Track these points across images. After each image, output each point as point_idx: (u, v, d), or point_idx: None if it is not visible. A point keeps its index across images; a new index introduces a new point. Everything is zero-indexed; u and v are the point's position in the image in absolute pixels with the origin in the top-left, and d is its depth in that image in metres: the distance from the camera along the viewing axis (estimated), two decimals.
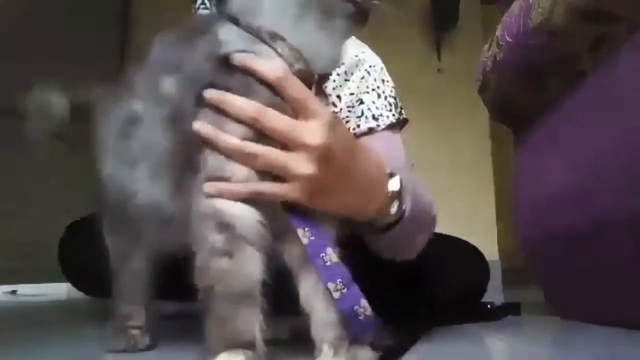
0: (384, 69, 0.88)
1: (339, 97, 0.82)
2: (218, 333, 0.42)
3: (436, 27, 2.69)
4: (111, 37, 2.40)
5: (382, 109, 0.82)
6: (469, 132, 2.66)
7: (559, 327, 0.86)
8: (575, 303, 0.89)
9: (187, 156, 0.47)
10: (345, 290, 0.44)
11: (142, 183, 0.52)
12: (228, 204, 0.44)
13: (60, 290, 1.97)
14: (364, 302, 0.45)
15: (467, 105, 2.50)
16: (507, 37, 0.89)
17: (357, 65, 0.84)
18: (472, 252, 0.96)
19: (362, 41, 0.91)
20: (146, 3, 2.65)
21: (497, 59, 0.94)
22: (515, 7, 0.88)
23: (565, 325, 0.86)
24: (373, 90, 0.83)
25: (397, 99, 0.86)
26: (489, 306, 0.97)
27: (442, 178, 2.61)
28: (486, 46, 1.01)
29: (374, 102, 0.82)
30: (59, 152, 2.06)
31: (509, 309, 0.96)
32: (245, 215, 0.44)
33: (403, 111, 0.86)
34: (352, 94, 0.82)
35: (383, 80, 0.85)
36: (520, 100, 0.96)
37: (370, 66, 0.85)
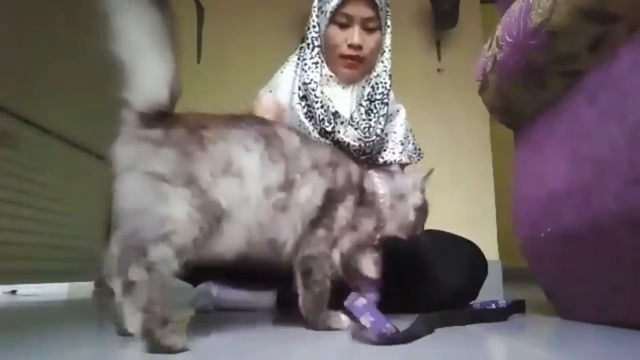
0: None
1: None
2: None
3: (436, 27, 2.69)
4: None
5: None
6: (469, 132, 2.66)
7: (559, 326, 0.86)
8: (575, 303, 0.89)
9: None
10: (372, 319, 0.66)
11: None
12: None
13: (60, 290, 1.98)
14: (388, 325, 0.65)
15: (467, 105, 2.51)
16: (507, 37, 0.89)
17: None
18: (470, 249, 1.12)
19: None
20: None
21: (497, 59, 0.94)
22: (515, 7, 0.88)
23: (565, 325, 0.86)
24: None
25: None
26: (493, 306, 0.97)
27: (442, 178, 2.61)
28: (486, 46, 1.01)
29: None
30: (59, 154, 2.05)
31: (516, 307, 0.96)
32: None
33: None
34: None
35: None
36: (520, 100, 0.96)
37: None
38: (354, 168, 0.87)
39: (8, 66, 1.63)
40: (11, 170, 1.65)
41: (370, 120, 1.09)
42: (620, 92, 0.70)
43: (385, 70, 1.16)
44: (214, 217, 0.67)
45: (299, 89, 1.10)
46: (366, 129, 1.08)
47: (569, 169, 0.81)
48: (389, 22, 1.17)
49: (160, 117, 0.68)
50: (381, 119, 1.10)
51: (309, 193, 0.78)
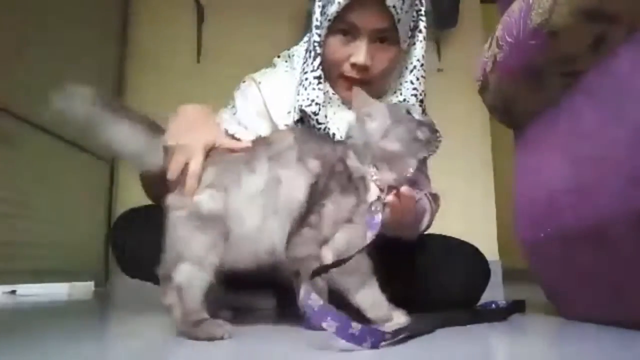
0: None
1: None
2: None
3: (436, 27, 2.69)
4: (111, 37, 2.40)
5: None
6: (469, 132, 2.66)
7: (560, 326, 0.86)
8: (576, 303, 0.89)
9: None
10: (337, 324, 0.58)
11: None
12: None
13: (60, 290, 1.97)
14: (353, 324, 0.58)
15: (467, 105, 2.51)
16: (507, 37, 0.89)
17: None
18: (473, 255, 1.07)
19: None
20: (145, 3, 2.65)
21: (497, 59, 0.94)
22: (515, 7, 0.88)
23: (566, 325, 0.86)
24: None
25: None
26: (493, 306, 0.97)
27: (442, 178, 2.60)
28: (486, 46, 1.01)
29: None
30: (59, 154, 2.05)
31: (515, 307, 0.96)
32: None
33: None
34: None
35: None
36: (520, 100, 0.96)
37: None
38: (338, 155, 0.78)
39: (8, 66, 1.63)
40: (11, 170, 1.65)
41: None
42: (620, 92, 0.70)
43: (416, 95, 0.91)
44: (216, 223, 0.71)
45: (294, 109, 0.86)
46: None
47: (569, 169, 0.81)
48: (421, 27, 0.90)
49: None
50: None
51: (293, 189, 0.74)
